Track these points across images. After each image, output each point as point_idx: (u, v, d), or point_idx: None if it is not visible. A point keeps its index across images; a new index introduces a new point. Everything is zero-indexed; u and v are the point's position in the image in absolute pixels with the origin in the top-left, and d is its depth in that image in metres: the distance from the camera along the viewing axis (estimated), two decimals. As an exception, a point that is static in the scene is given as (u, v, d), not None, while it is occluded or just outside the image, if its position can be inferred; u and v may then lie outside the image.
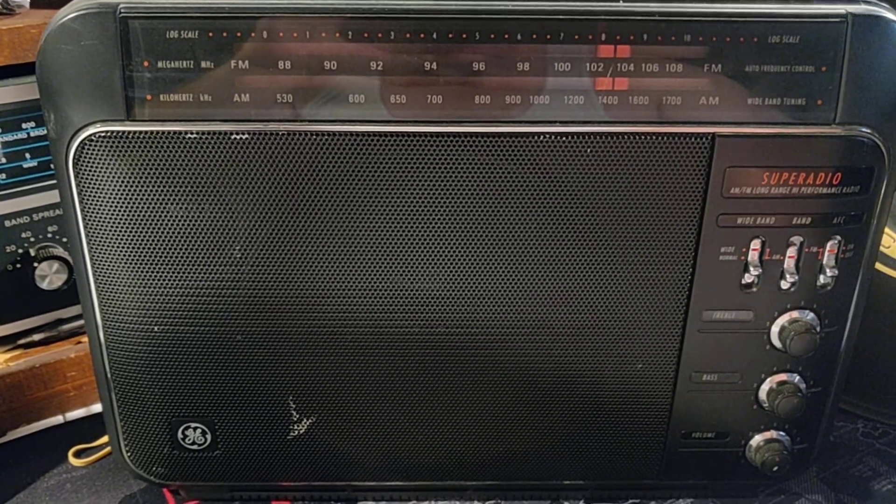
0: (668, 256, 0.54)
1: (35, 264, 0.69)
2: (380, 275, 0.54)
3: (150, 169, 0.50)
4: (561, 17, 0.48)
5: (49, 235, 0.70)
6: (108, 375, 0.57)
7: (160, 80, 0.49)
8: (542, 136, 0.50)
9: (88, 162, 0.50)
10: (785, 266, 0.54)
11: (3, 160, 0.66)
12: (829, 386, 0.59)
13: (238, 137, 0.50)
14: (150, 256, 0.53)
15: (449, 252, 0.53)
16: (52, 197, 0.69)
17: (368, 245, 0.53)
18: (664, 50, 0.49)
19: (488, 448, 0.60)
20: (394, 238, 0.53)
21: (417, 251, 0.53)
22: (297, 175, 0.51)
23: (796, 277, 0.54)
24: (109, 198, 0.51)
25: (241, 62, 0.49)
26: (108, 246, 0.53)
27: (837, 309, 0.56)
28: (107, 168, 0.50)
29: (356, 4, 0.48)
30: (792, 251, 0.54)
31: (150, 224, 0.52)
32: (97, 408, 0.73)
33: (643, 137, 0.50)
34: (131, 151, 0.50)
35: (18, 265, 0.69)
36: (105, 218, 0.52)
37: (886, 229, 0.66)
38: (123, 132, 0.50)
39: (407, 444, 0.60)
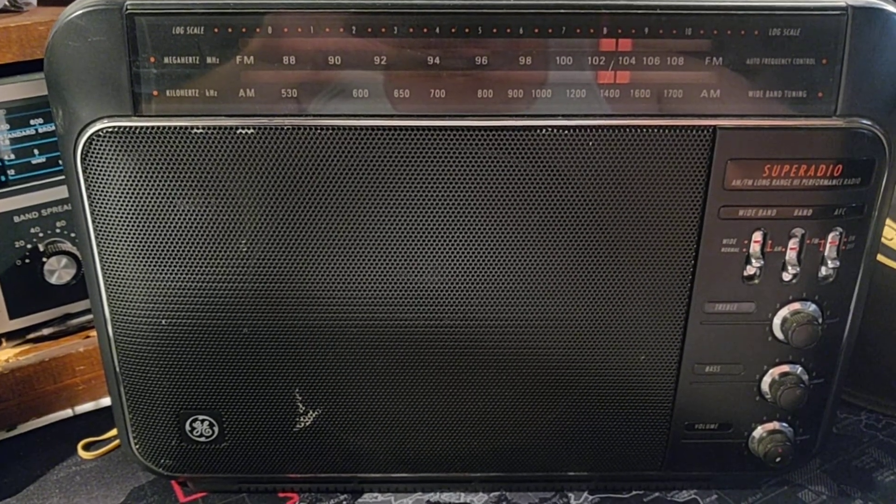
0: (670, 249, 0.54)
1: (44, 259, 0.69)
2: (385, 267, 0.54)
3: (158, 164, 0.51)
4: (563, 10, 0.49)
5: (57, 231, 0.70)
6: (117, 369, 0.58)
7: (166, 76, 0.49)
8: (544, 130, 0.51)
9: (96, 157, 0.51)
10: (787, 258, 0.54)
11: (12, 156, 0.67)
12: (832, 377, 0.59)
13: (244, 132, 0.50)
14: (158, 251, 0.53)
15: (453, 244, 0.54)
16: (61, 192, 0.69)
17: (373, 238, 0.53)
18: (665, 43, 0.49)
19: (493, 440, 0.60)
20: (398, 231, 0.53)
21: (421, 244, 0.54)
22: (303, 169, 0.51)
23: (798, 269, 0.55)
24: (117, 193, 0.52)
25: (247, 58, 0.49)
26: (116, 240, 0.53)
27: (839, 300, 0.56)
28: (114, 163, 0.51)
29: (360, 0, 0.49)
30: (793, 243, 0.54)
31: (158, 218, 0.52)
32: (106, 401, 0.74)
33: (645, 130, 0.51)
34: (138, 147, 0.50)
35: (27, 260, 0.69)
36: (113, 213, 0.52)
37: (888, 221, 0.67)
38: (130, 128, 0.50)
39: (412, 436, 0.60)
